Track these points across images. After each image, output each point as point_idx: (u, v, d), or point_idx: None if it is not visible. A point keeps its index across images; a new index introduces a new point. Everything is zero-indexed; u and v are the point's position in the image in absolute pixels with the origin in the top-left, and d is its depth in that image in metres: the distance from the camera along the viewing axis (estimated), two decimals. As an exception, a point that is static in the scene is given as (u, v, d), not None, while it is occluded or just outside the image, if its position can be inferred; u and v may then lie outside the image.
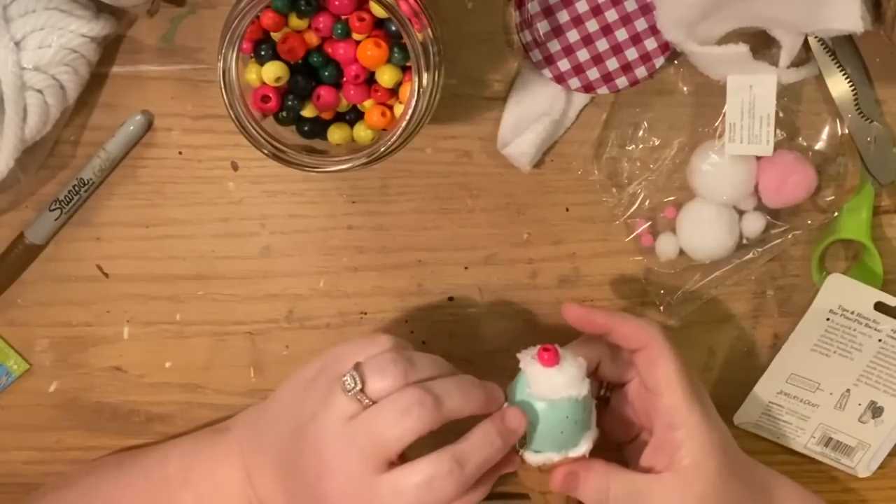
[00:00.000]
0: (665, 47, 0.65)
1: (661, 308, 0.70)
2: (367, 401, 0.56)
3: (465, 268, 0.70)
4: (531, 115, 0.66)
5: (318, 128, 0.62)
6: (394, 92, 0.61)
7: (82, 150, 0.67)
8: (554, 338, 0.61)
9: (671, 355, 0.61)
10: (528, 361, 0.60)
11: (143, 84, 0.67)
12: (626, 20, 0.65)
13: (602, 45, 0.65)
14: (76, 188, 0.67)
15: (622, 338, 0.62)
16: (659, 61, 0.66)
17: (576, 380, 0.59)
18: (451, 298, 0.70)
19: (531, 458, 0.61)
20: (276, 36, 0.60)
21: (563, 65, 0.65)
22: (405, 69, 0.60)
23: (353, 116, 0.62)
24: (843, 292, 0.68)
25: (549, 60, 0.65)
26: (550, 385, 0.59)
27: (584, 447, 0.61)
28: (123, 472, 0.67)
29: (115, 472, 0.68)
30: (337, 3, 0.58)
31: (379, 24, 0.59)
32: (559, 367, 0.59)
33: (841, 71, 0.66)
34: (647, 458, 0.62)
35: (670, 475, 0.60)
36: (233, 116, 0.58)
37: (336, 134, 0.61)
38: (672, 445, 0.60)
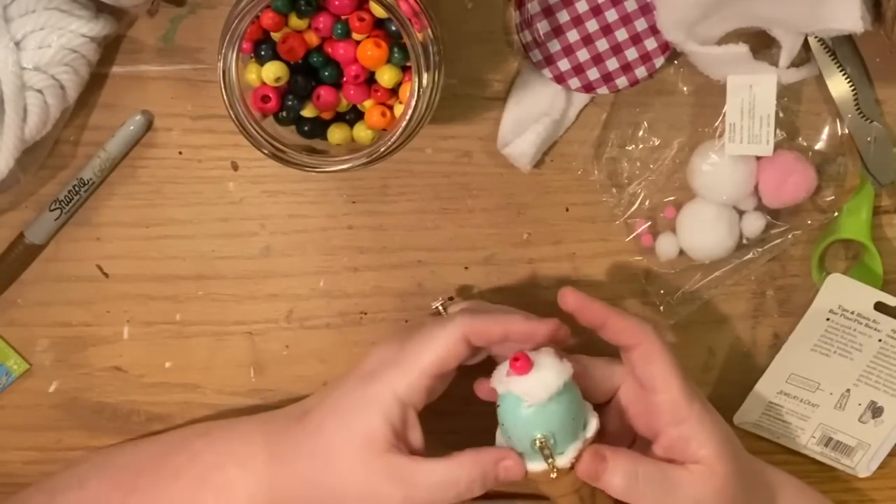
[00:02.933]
0: (665, 47, 0.65)
1: (661, 308, 0.70)
2: None
3: (465, 268, 0.70)
4: (531, 115, 0.66)
5: (318, 128, 0.62)
6: (394, 92, 0.61)
7: (82, 150, 0.67)
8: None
9: (666, 352, 0.60)
10: (509, 381, 0.58)
11: (143, 84, 0.67)
12: (626, 20, 0.65)
13: (602, 45, 0.65)
14: (76, 188, 0.67)
15: (615, 333, 0.61)
16: (659, 61, 0.66)
17: (556, 364, 0.58)
18: (451, 298, 0.70)
19: (561, 461, 0.58)
20: (276, 36, 0.59)
21: (563, 65, 0.65)
22: (405, 69, 0.60)
23: (353, 116, 0.62)
24: (843, 292, 0.68)
25: (549, 60, 0.65)
26: (543, 384, 0.57)
27: (593, 421, 0.59)
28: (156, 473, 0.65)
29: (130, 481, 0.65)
30: (337, 3, 0.58)
31: (379, 24, 0.59)
32: (537, 365, 0.58)
33: (841, 71, 0.66)
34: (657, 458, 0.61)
35: (694, 465, 0.59)
36: (233, 116, 0.58)
37: (336, 134, 0.61)
38: (682, 440, 0.59)
